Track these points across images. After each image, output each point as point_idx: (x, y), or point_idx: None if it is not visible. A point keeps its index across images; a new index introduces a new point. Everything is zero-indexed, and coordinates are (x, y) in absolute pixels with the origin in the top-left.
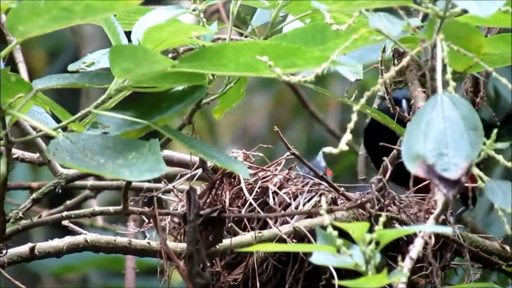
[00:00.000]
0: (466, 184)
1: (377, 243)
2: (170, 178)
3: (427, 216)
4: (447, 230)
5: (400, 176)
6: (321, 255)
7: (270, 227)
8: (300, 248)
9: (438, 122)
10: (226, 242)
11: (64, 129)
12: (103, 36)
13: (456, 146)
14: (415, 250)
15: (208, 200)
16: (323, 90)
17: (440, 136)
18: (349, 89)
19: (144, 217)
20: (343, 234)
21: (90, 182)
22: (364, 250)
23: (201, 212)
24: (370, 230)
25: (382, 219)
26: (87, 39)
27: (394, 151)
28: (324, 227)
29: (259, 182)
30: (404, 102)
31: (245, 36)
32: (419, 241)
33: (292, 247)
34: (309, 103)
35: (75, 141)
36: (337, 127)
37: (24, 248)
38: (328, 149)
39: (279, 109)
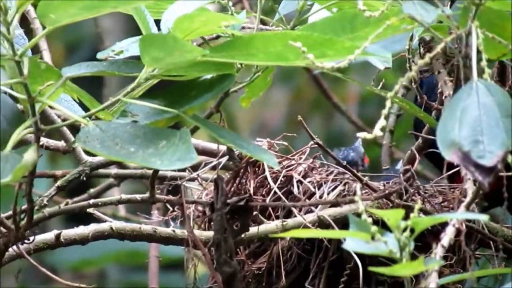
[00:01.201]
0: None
1: (411, 231)
2: (194, 166)
3: (451, 206)
4: (481, 217)
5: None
6: (354, 241)
7: (295, 216)
8: (333, 234)
9: (473, 109)
10: (251, 230)
11: (91, 118)
12: (122, 30)
13: (491, 133)
14: (446, 238)
15: (232, 189)
16: (351, 79)
17: (476, 123)
18: (367, 81)
19: (168, 206)
20: None
21: (114, 170)
22: (399, 237)
23: (228, 201)
24: None
25: (417, 206)
26: (105, 32)
27: (420, 139)
28: (358, 214)
29: (284, 171)
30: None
31: (272, 25)
32: (450, 229)
33: (325, 233)
34: (331, 95)
35: (105, 130)
36: (357, 118)
37: (49, 235)
38: (362, 134)
39: (297, 103)
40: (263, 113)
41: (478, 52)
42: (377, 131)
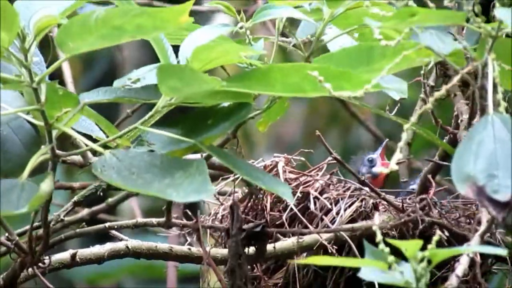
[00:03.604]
0: None
1: (429, 261)
2: (212, 178)
3: (468, 221)
4: (496, 250)
5: None
6: (369, 270)
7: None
8: (350, 262)
9: (489, 143)
10: (269, 247)
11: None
12: (139, 43)
13: (506, 168)
14: (461, 267)
15: (249, 204)
16: (367, 105)
17: (491, 157)
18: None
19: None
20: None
21: None
22: (416, 267)
23: (244, 227)
24: None
25: (435, 238)
26: (122, 45)
27: (436, 157)
28: (375, 243)
29: (301, 187)
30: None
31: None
32: (465, 258)
33: (342, 261)
34: (349, 105)
35: (122, 159)
36: (375, 128)
37: (65, 255)
38: (379, 169)
39: (314, 117)
40: (280, 127)
41: (494, 84)
42: (393, 165)
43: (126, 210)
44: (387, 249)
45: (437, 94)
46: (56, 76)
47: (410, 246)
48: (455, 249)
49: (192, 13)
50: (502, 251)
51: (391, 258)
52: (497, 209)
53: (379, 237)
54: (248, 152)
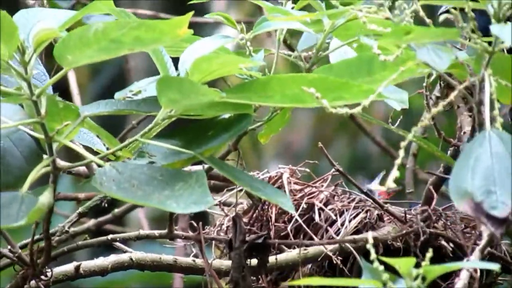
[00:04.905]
0: None
1: (424, 278)
2: (218, 189)
3: (474, 232)
4: (493, 266)
5: None
6: None
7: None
8: (345, 283)
9: (486, 159)
10: (271, 259)
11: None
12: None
13: (504, 184)
14: (461, 282)
15: (254, 215)
16: (369, 117)
17: (488, 172)
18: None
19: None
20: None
21: None
22: (410, 285)
23: (247, 239)
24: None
25: (428, 255)
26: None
27: (441, 168)
28: (370, 261)
29: (305, 198)
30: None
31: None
32: (464, 273)
33: (335, 281)
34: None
35: (122, 171)
36: (381, 139)
37: (69, 267)
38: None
39: (322, 125)
40: (288, 135)
41: (491, 100)
42: (390, 183)
43: (133, 219)
44: (381, 267)
45: (433, 110)
46: (63, 85)
47: (404, 264)
48: (449, 265)
49: (198, 26)
50: (496, 266)
51: (385, 275)
52: (495, 225)
53: (373, 255)
54: (256, 160)
